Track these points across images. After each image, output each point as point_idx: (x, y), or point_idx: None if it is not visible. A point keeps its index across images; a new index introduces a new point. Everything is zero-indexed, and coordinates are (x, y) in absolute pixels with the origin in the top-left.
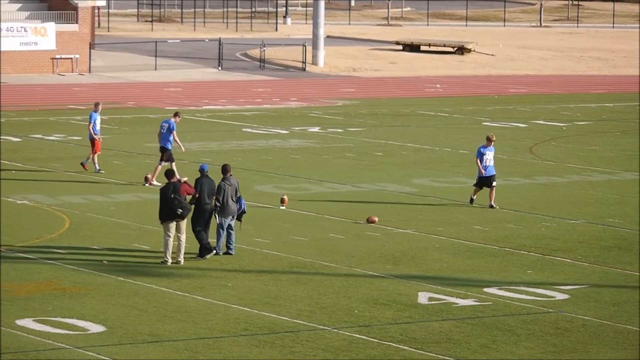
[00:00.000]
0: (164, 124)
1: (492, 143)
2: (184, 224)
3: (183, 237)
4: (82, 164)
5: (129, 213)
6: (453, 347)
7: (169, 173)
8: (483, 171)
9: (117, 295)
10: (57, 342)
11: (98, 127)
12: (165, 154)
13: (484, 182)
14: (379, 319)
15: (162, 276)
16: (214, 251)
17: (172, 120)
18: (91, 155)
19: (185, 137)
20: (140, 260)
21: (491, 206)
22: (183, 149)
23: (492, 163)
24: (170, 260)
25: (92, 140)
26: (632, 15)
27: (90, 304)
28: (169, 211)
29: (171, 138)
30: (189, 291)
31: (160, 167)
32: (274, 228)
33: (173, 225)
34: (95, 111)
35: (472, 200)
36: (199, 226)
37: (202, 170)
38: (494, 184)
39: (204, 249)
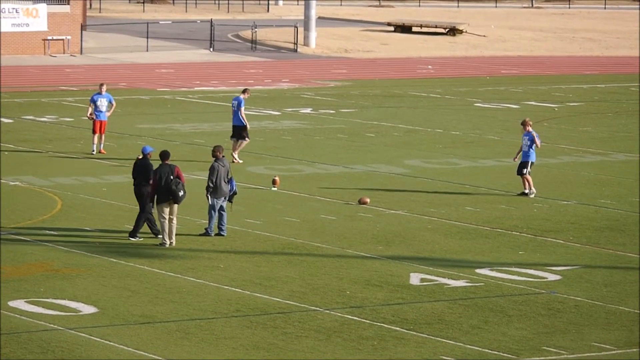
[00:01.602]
0: (234, 101)
1: (528, 128)
2: (177, 206)
3: (175, 220)
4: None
5: (121, 194)
6: (445, 328)
7: (162, 154)
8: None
9: (109, 277)
10: (49, 323)
11: (102, 108)
12: (239, 131)
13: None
14: (371, 299)
15: (154, 257)
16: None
17: (241, 97)
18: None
19: (177, 119)
20: (132, 241)
21: (523, 193)
22: (248, 125)
23: (526, 149)
24: (168, 242)
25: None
26: None
27: (82, 285)
28: (165, 193)
29: (240, 115)
30: (180, 272)
31: (244, 143)
32: (266, 209)
33: (167, 207)
34: (99, 93)
35: (523, 193)
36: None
37: (143, 152)
38: (524, 171)
39: (136, 231)
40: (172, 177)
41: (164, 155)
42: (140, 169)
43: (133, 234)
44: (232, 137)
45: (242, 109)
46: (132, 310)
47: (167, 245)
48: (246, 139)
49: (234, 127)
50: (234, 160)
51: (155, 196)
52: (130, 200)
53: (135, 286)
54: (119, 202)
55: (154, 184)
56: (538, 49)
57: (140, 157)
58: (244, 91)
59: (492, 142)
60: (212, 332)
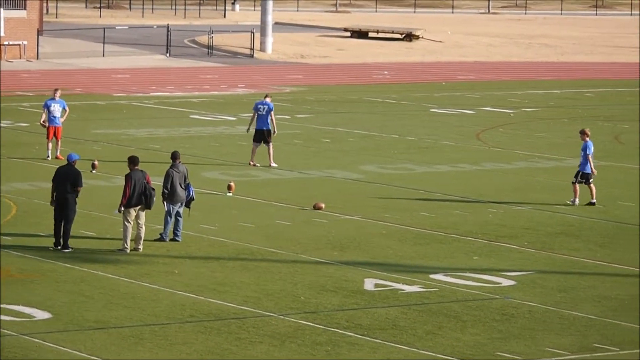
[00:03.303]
0: (261, 105)
1: (587, 137)
2: (144, 213)
3: (143, 226)
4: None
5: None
6: (399, 333)
7: (134, 159)
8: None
9: (63, 282)
10: (3, 329)
11: (56, 114)
12: (265, 136)
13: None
14: (325, 305)
15: (108, 263)
16: (160, 237)
17: (268, 100)
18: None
19: (132, 124)
20: (87, 246)
21: (591, 203)
22: (276, 131)
23: (583, 159)
24: (129, 248)
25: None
26: (580, 2)
27: (36, 290)
28: (138, 198)
29: (269, 119)
30: (135, 278)
31: (271, 147)
32: (221, 215)
33: (134, 212)
34: (52, 98)
35: (574, 202)
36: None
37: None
38: (576, 180)
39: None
40: (145, 183)
41: (134, 160)
42: (64, 175)
43: (66, 245)
44: (255, 141)
45: (273, 113)
46: (86, 315)
47: (129, 251)
48: (270, 143)
49: (259, 131)
50: (270, 165)
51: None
52: (85, 205)
53: (90, 291)
54: None
55: (129, 188)
56: (494, 55)
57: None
58: (267, 96)
59: (447, 148)
60: (166, 338)
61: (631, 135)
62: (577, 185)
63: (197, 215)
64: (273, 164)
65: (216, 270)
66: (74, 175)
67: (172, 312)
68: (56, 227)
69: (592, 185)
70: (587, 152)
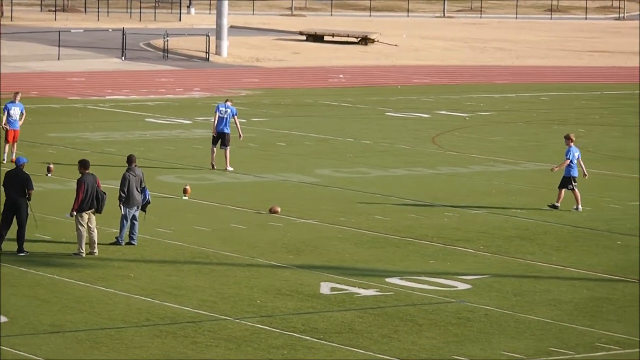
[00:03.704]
0: (224, 108)
1: (572, 142)
2: (95, 217)
3: (95, 229)
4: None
5: (31, 203)
6: (355, 337)
7: (85, 163)
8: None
9: (18, 286)
10: None
11: (15, 117)
12: (225, 139)
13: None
14: (281, 309)
15: (64, 266)
16: (117, 240)
17: (229, 104)
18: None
19: (88, 127)
20: (42, 250)
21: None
22: (242, 134)
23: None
24: (84, 252)
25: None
26: (535, 6)
27: None
28: (90, 202)
29: (229, 123)
30: (90, 281)
31: (228, 151)
32: (176, 218)
33: (87, 216)
34: (12, 101)
35: (555, 206)
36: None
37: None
38: (569, 186)
39: None
40: (96, 187)
41: (85, 164)
42: (14, 179)
43: (21, 249)
44: (214, 143)
45: (236, 117)
46: (41, 319)
47: (84, 255)
48: (228, 147)
49: (218, 133)
50: (226, 168)
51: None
52: (41, 209)
53: (45, 295)
54: (29, 211)
55: (82, 192)
56: (449, 59)
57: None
58: (228, 100)
59: (403, 151)
60: (121, 342)
61: (586, 139)
62: (577, 191)
63: (152, 219)
64: (229, 168)
65: (172, 274)
66: (23, 179)
67: (128, 316)
68: (1, 231)
69: (576, 190)
70: (569, 157)
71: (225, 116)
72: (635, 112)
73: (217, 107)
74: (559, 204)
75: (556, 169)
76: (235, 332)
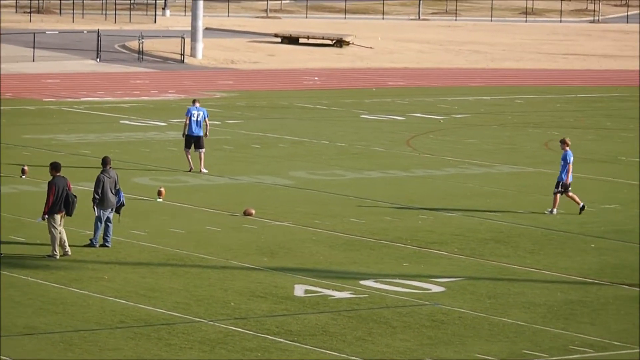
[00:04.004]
0: (195, 111)
1: (567, 147)
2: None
3: (63, 230)
4: None
5: (5, 205)
6: (329, 339)
7: (56, 165)
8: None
9: None
10: None
11: None
12: (200, 141)
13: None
14: (255, 311)
15: (38, 268)
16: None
17: (198, 105)
18: None
19: (62, 129)
20: (16, 252)
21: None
22: (208, 134)
23: (563, 169)
24: (59, 254)
25: None
26: (510, 9)
27: None
28: (61, 204)
29: (203, 125)
30: (65, 283)
31: (202, 153)
32: (151, 220)
33: (59, 218)
34: None
35: (552, 211)
36: None
37: None
38: (555, 189)
39: None
40: (67, 189)
41: (57, 166)
42: None
43: None
44: (188, 147)
45: (207, 119)
46: (15, 321)
47: (58, 257)
48: (203, 150)
49: (192, 137)
50: (201, 170)
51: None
52: (15, 210)
53: (19, 297)
54: (3, 212)
55: (53, 195)
56: (424, 61)
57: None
58: (197, 101)
59: (377, 154)
60: (95, 344)
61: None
62: (558, 196)
63: (127, 221)
64: (204, 170)
65: (146, 276)
66: None
67: (102, 318)
68: None
69: (571, 193)
70: (568, 161)
71: (198, 119)
72: (608, 114)
73: (189, 110)
74: (581, 203)
75: (570, 180)
76: (209, 334)
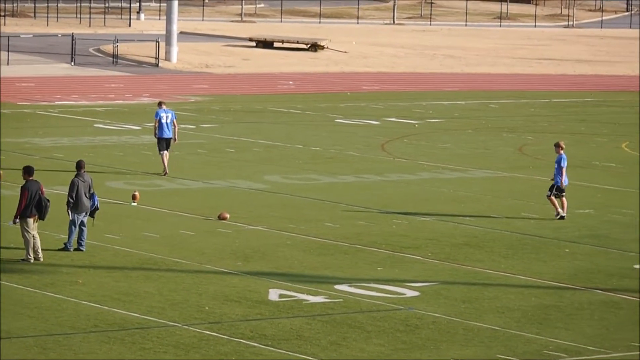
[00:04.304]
0: (165, 114)
1: (562, 150)
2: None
3: (36, 235)
4: None
5: None
6: (303, 344)
7: (29, 169)
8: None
9: None
10: None
11: None
12: (168, 143)
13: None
14: (230, 315)
15: (12, 272)
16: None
17: (165, 108)
18: None
19: (37, 133)
20: None
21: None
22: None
23: (557, 172)
24: (32, 258)
25: None
26: (485, 14)
27: None
28: (33, 208)
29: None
30: (39, 287)
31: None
32: (125, 224)
33: (32, 222)
34: None
35: (558, 214)
36: None
37: None
38: (548, 193)
39: None
40: (40, 193)
41: (30, 170)
42: None
43: None
44: (161, 150)
45: (176, 120)
46: None
47: (32, 261)
48: (168, 150)
49: (164, 139)
50: (166, 173)
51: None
52: None
53: None
54: None
55: (26, 199)
56: (399, 66)
57: None
58: (163, 103)
59: (352, 158)
60: (70, 348)
61: (534, 146)
62: (554, 198)
63: (101, 225)
64: (167, 171)
65: (120, 280)
66: None
67: (76, 322)
68: None
69: (564, 198)
70: (562, 165)
71: (167, 121)
72: (582, 119)
73: (157, 113)
74: (564, 212)
75: (565, 183)
76: (184, 339)
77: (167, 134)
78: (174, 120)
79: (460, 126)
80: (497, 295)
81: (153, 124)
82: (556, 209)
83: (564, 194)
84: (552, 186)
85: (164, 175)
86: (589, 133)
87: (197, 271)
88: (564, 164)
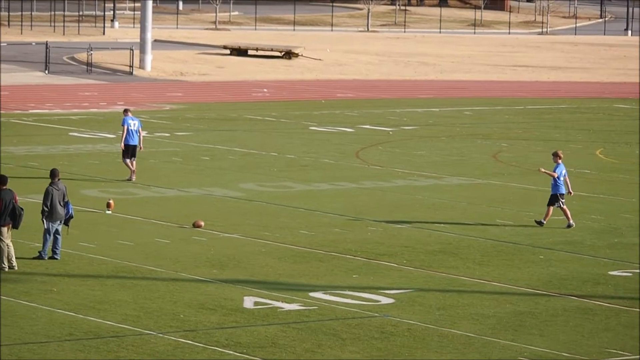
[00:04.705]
0: (132, 121)
1: (560, 159)
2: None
3: (10, 244)
4: None
5: None
6: (278, 351)
7: (2, 179)
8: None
9: None
10: None
11: None
12: (134, 151)
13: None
14: (205, 323)
15: None
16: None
17: (131, 115)
18: None
19: (11, 141)
20: None
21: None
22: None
23: (554, 182)
24: (6, 267)
25: None
26: (459, 21)
27: None
28: (7, 217)
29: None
30: (13, 296)
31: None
32: (100, 232)
33: (6, 231)
34: None
35: (541, 223)
36: None
37: None
38: (556, 204)
39: None
40: (13, 202)
41: (3, 180)
42: None
43: None
44: (126, 157)
45: (141, 128)
46: None
47: (7, 270)
48: (135, 157)
49: (131, 146)
50: (131, 179)
51: None
52: None
53: None
54: None
55: (0, 208)
56: (373, 73)
57: None
58: (129, 111)
59: (327, 166)
60: (44, 356)
61: (509, 153)
62: (565, 207)
63: (75, 233)
64: (133, 178)
65: (95, 289)
66: None
67: (51, 331)
68: None
69: (564, 207)
70: (560, 175)
71: (134, 128)
72: (557, 126)
73: (125, 120)
74: (545, 221)
75: (543, 171)
76: (159, 347)
77: (134, 141)
78: (140, 128)
79: (434, 133)
80: (472, 302)
81: (121, 132)
82: (545, 217)
83: (563, 202)
84: (556, 196)
85: (130, 180)
86: (564, 140)
87: (172, 279)
88: (565, 173)
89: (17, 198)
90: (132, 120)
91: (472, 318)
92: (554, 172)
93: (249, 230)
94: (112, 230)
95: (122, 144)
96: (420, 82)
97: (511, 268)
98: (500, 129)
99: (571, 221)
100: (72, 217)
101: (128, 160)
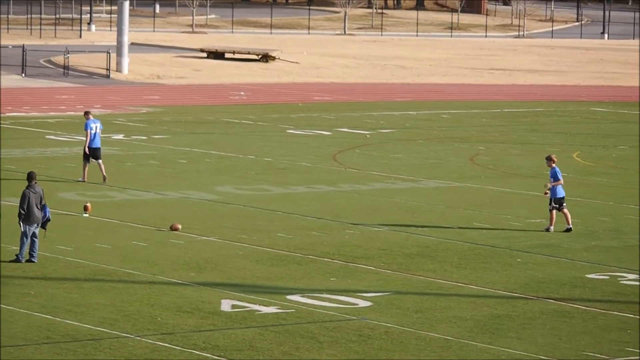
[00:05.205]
0: (94, 124)
1: (554, 163)
2: None
3: None
4: None
5: None
6: (256, 354)
7: None
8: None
9: None
10: None
11: None
12: (98, 153)
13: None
14: (182, 326)
15: None
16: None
17: (92, 118)
18: None
19: None
20: None
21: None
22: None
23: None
24: None
25: None
26: (435, 24)
27: None
28: None
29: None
30: None
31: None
32: (77, 235)
33: None
34: None
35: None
36: None
37: None
38: (557, 206)
39: None
40: None
41: None
42: None
43: None
44: (87, 160)
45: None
46: None
47: None
48: (101, 158)
49: (92, 149)
50: (80, 179)
51: None
52: None
53: None
54: None
55: None
56: (350, 76)
57: None
58: (90, 113)
59: (304, 169)
60: (22, 359)
61: (486, 156)
62: (554, 212)
63: (53, 236)
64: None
65: (72, 292)
66: None
67: (28, 334)
68: None
69: (565, 210)
70: (560, 178)
71: (97, 131)
72: (534, 129)
73: (88, 124)
74: (552, 228)
75: (549, 186)
76: (136, 350)
77: (97, 143)
78: (100, 130)
79: (411, 136)
80: (450, 305)
81: (109, 135)
82: (550, 223)
83: (565, 205)
84: (551, 200)
85: (83, 181)
86: (540, 143)
87: (150, 282)
88: (560, 176)
89: None
90: (94, 123)
91: (449, 321)
92: (557, 177)
93: (226, 233)
94: (89, 233)
95: (87, 148)
96: (398, 86)
97: (489, 271)
98: (478, 132)
99: (552, 227)
100: (49, 220)
101: (88, 163)
